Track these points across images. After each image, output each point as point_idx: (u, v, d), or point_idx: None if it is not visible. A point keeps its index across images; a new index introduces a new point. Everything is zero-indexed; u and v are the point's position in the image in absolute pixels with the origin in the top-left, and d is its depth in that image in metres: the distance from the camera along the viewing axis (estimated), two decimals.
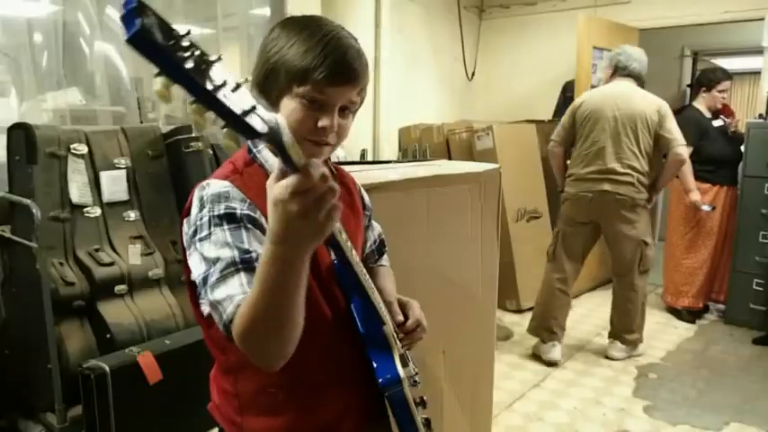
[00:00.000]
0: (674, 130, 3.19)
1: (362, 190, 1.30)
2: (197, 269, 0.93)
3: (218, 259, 0.89)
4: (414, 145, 4.47)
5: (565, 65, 4.69)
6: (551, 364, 3.27)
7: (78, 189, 2.60)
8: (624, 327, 3.37)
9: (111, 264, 2.60)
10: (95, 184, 2.67)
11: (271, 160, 1.01)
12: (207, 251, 0.91)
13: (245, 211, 0.94)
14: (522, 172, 4.19)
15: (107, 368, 2.20)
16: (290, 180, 0.70)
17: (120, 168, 2.75)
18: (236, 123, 0.60)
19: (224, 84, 0.58)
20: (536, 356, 3.39)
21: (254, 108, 0.61)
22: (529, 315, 4.00)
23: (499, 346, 3.52)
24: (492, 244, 2.05)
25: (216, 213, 0.93)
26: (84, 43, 3.12)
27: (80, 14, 3.11)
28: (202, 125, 0.60)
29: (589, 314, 4.17)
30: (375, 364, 1.03)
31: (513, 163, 4.13)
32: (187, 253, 0.97)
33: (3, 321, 2.61)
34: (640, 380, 3.16)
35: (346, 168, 1.31)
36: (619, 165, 3.17)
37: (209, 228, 0.92)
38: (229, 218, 0.92)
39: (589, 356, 3.45)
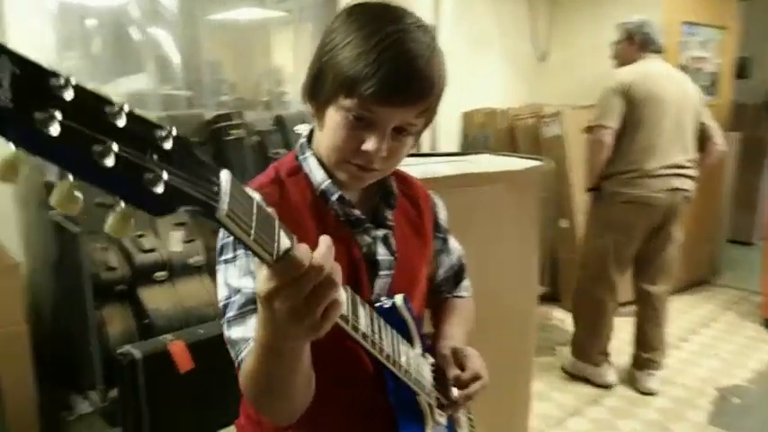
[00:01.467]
0: (711, 119, 2.85)
1: (439, 206, 1.12)
2: (220, 292, 0.84)
3: (238, 290, 0.82)
4: (476, 131, 4.25)
5: None
6: (607, 386, 2.92)
7: None
8: (660, 347, 2.95)
9: (152, 250, 2.62)
10: None
11: (315, 172, 0.90)
12: (230, 277, 0.83)
13: None
14: None
15: (138, 354, 2.21)
16: (271, 272, 0.58)
17: None
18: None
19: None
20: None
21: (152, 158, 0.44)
22: None
23: (557, 352, 3.27)
24: (531, 246, 1.87)
25: None
26: (137, 30, 3.13)
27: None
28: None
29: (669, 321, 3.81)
30: None
31: (584, 152, 3.82)
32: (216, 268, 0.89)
33: (54, 301, 2.70)
34: (720, 405, 2.77)
35: None
36: (684, 157, 2.76)
37: (234, 250, 0.83)
38: None
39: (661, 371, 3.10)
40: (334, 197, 0.89)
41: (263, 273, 0.59)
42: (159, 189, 0.42)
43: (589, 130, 2.78)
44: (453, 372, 0.95)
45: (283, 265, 0.57)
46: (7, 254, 2.30)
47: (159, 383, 2.29)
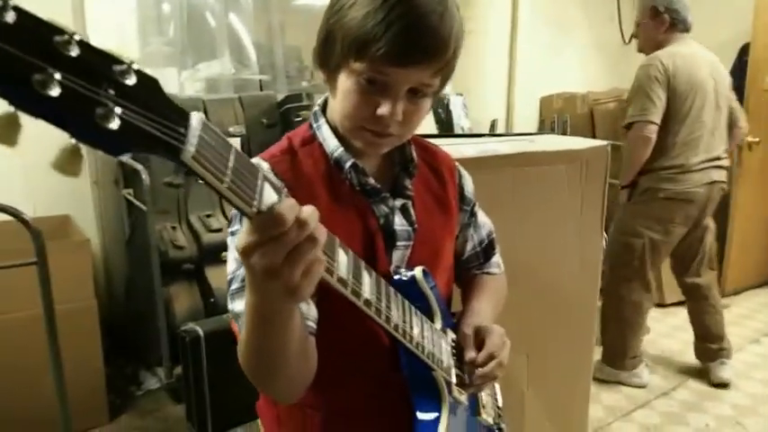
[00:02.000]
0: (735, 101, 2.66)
1: (465, 177, 1.06)
2: (228, 266, 0.81)
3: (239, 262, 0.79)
4: (553, 116, 4.09)
5: (743, 23, 3.96)
6: (642, 387, 2.73)
7: None
8: (724, 334, 2.77)
9: (219, 230, 2.67)
10: None
11: (329, 140, 0.87)
12: (235, 250, 0.80)
13: None
14: None
15: (201, 332, 2.26)
16: (251, 225, 0.54)
17: (234, 136, 2.81)
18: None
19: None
20: (669, 361, 2.95)
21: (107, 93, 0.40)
22: (673, 310, 3.56)
23: None
24: (595, 234, 1.75)
25: None
26: (211, 15, 3.20)
27: None
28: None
29: (751, 315, 3.56)
30: (416, 416, 0.85)
31: None
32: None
33: (125, 278, 2.81)
34: None
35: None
36: (722, 148, 2.58)
37: (240, 221, 0.81)
38: None
39: (738, 364, 2.90)
40: (348, 165, 0.85)
41: (245, 226, 0.56)
42: (113, 125, 0.39)
43: (629, 125, 2.54)
44: (470, 352, 0.90)
45: (264, 219, 0.53)
46: (78, 230, 2.41)
47: (222, 360, 2.34)
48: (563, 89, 4.20)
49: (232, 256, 0.80)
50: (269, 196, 0.54)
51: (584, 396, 1.90)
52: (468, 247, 1.09)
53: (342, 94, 0.81)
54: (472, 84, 3.66)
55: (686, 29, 2.60)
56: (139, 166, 2.37)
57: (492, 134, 2.79)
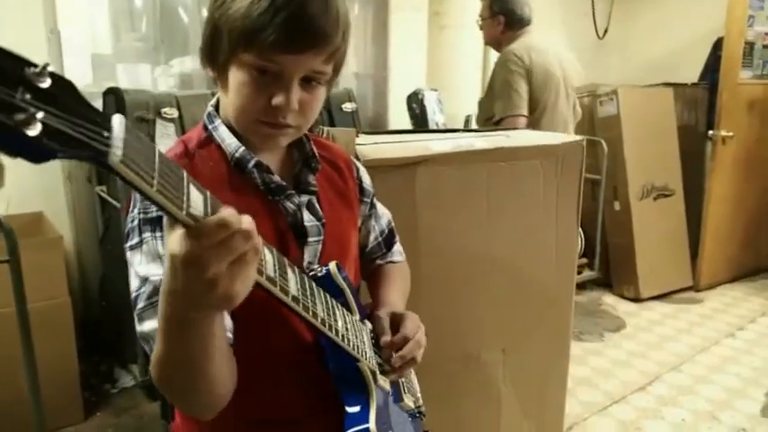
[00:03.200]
0: None
1: (361, 170, 1.08)
2: (131, 284, 0.77)
3: (146, 279, 0.75)
4: None
5: (717, 18, 4.01)
6: None
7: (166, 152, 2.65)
8: None
9: None
10: None
11: (228, 140, 0.84)
12: (137, 265, 0.76)
13: None
14: (651, 142, 3.68)
15: None
16: (191, 233, 0.53)
17: None
18: None
19: None
20: (646, 356, 2.98)
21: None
22: (649, 305, 3.61)
23: (606, 339, 3.16)
24: (570, 229, 1.76)
25: (146, 216, 0.76)
26: (184, 11, 3.16)
27: None
28: None
29: (725, 309, 3.62)
30: (345, 410, 0.85)
31: (642, 132, 3.64)
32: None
33: (102, 275, 2.77)
34: None
35: (368, 139, 1.09)
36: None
37: (140, 234, 0.77)
38: (161, 223, 0.75)
39: (713, 359, 2.96)
40: (251, 164, 0.83)
41: (177, 233, 0.54)
42: (35, 131, 0.37)
43: (499, 122, 2.62)
44: (386, 335, 0.91)
45: (209, 227, 0.52)
46: (51, 227, 2.37)
47: None
48: None
49: (134, 273, 0.77)
50: (196, 197, 0.53)
51: (560, 391, 1.91)
52: (371, 238, 1.10)
53: (234, 89, 0.79)
54: (447, 79, 3.66)
55: (526, 23, 2.71)
56: None
57: (467, 129, 2.80)
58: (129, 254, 0.78)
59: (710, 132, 3.68)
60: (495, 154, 1.59)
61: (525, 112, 2.56)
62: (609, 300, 3.71)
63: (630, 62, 4.73)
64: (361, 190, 1.05)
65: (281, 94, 0.77)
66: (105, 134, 0.43)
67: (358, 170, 1.06)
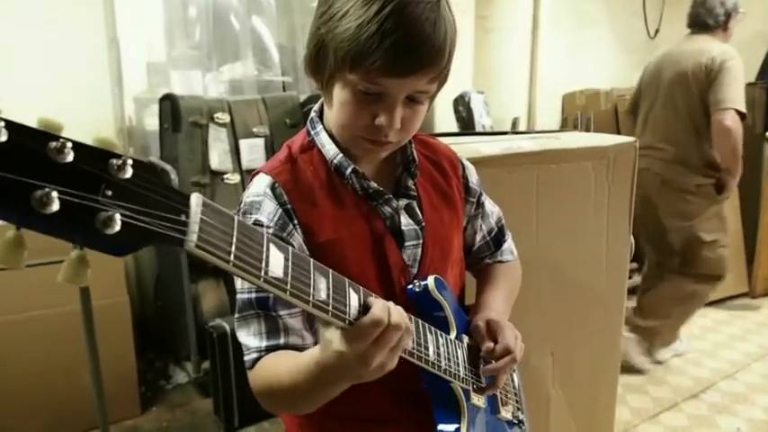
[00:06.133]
0: None
1: (468, 168, 1.05)
2: (237, 283, 0.84)
3: (240, 290, 0.82)
4: (576, 113, 4.05)
5: None
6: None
7: (218, 156, 2.74)
8: None
9: None
10: (235, 152, 2.79)
11: (327, 146, 0.87)
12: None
13: (271, 230, 0.80)
14: None
15: (228, 328, 2.31)
16: (350, 334, 0.64)
17: (258, 136, 2.84)
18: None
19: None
20: (699, 362, 2.91)
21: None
22: (702, 311, 3.45)
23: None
24: (622, 232, 1.74)
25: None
26: (235, 18, 3.24)
27: None
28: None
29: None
30: (437, 429, 0.87)
31: None
32: None
33: (157, 275, 2.87)
34: None
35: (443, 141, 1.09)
36: None
37: None
38: None
39: None
40: (348, 170, 0.85)
41: (337, 334, 0.64)
42: (115, 230, 0.40)
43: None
44: (487, 343, 0.90)
45: (363, 328, 0.63)
46: None
47: None
48: (586, 86, 4.17)
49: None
50: (275, 259, 0.57)
51: (610, 397, 1.89)
52: (478, 237, 1.08)
53: (338, 105, 0.80)
54: (493, 81, 3.65)
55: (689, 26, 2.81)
56: (168, 167, 2.42)
57: (515, 132, 2.78)
58: None
59: None
60: (544, 156, 1.59)
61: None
62: None
63: None
64: (467, 189, 1.03)
65: (385, 115, 0.78)
66: (183, 219, 0.46)
67: (464, 168, 1.04)
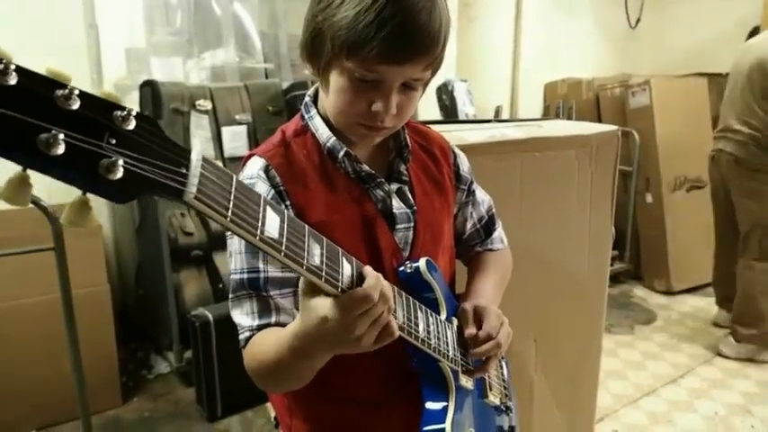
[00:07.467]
0: None
1: (459, 156, 1.06)
2: (231, 263, 0.86)
3: (234, 271, 0.84)
4: (558, 102, 4.07)
5: (753, 5, 3.94)
6: None
7: (200, 143, 2.70)
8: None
9: None
10: (217, 139, 2.76)
11: (321, 130, 0.87)
12: (229, 252, 0.86)
13: None
14: (684, 134, 3.63)
15: (211, 317, 2.29)
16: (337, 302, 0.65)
17: (241, 124, 2.81)
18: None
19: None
20: (678, 348, 2.96)
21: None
22: (681, 298, 3.57)
23: (637, 331, 3.14)
24: (604, 220, 1.76)
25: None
26: (216, 4, 3.20)
27: None
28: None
29: None
30: (425, 406, 0.87)
31: (675, 123, 3.59)
32: None
33: (137, 264, 2.83)
34: None
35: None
36: None
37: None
38: None
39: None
40: (341, 154, 0.86)
41: (327, 301, 0.65)
42: (117, 176, 0.41)
43: None
44: (470, 328, 0.91)
45: (355, 299, 0.64)
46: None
47: (231, 345, 2.37)
48: (568, 75, 4.19)
49: (236, 252, 0.84)
50: (271, 221, 0.57)
51: (592, 382, 1.91)
52: (469, 225, 1.09)
53: (334, 92, 0.81)
54: (476, 70, 3.65)
55: None
56: None
57: (498, 120, 2.79)
58: (228, 238, 0.86)
59: None
60: (528, 144, 1.59)
61: None
62: (639, 292, 3.70)
63: (663, 52, 4.65)
64: (458, 177, 1.05)
65: (381, 101, 0.79)
66: (183, 171, 0.47)
67: (455, 156, 1.05)
